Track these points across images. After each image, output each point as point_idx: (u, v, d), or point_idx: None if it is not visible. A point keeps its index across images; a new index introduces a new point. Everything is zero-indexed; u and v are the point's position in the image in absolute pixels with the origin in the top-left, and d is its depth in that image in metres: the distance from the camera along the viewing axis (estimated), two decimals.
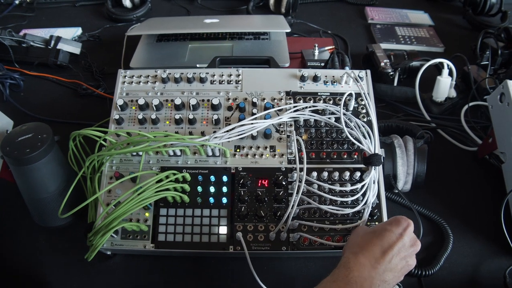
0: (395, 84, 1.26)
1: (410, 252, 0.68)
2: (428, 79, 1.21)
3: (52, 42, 1.38)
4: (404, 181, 0.92)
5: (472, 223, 0.95)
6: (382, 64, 1.27)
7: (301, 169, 0.80)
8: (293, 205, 0.77)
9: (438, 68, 1.24)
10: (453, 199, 1.00)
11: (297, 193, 0.78)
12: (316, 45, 1.29)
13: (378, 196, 0.85)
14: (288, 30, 1.29)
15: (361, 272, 0.63)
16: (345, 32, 1.59)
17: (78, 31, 1.56)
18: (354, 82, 0.96)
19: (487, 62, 1.30)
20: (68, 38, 1.45)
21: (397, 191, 0.93)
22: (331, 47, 1.35)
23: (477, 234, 0.93)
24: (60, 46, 1.38)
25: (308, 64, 1.25)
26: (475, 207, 0.99)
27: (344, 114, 0.87)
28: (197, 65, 1.19)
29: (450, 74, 1.18)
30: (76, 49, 1.42)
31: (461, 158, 1.10)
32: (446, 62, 1.16)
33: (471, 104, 1.16)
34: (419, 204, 0.96)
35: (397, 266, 0.66)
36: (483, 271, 0.87)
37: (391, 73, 1.26)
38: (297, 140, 0.85)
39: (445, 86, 1.19)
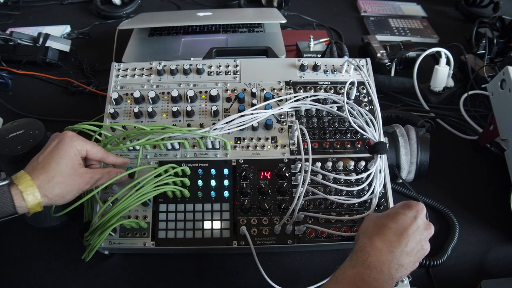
0: (392, 74, 1.25)
1: (424, 235, 0.67)
2: (424, 69, 1.21)
3: (41, 40, 1.34)
4: (407, 171, 0.91)
5: (476, 212, 0.94)
6: (379, 55, 1.26)
7: (306, 160, 0.78)
8: (299, 197, 0.75)
9: (435, 58, 1.24)
10: (455, 188, 0.99)
11: (303, 184, 0.75)
12: (311, 36, 1.27)
13: (384, 186, 0.83)
14: (284, 21, 1.27)
15: (379, 256, 0.61)
16: (339, 25, 1.58)
17: (66, 28, 1.52)
18: (356, 71, 0.95)
19: (483, 51, 1.30)
20: (57, 35, 1.41)
21: (401, 180, 0.91)
22: (326, 39, 1.33)
23: (482, 223, 0.92)
24: (49, 43, 1.35)
25: (305, 56, 1.23)
26: (478, 196, 0.98)
27: (346, 102, 0.85)
28: (191, 59, 1.16)
29: (448, 63, 1.17)
30: (65, 46, 1.38)
31: (462, 147, 1.09)
32: (443, 51, 1.16)
33: (470, 92, 1.15)
34: (422, 193, 0.94)
35: (413, 250, 0.64)
36: (490, 259, 0.86)
37: (388, 63, 1.24)
38: (300, 130, 0.82)
39: (443, 76, 1.18)
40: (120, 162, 0.79)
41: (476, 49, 1.32)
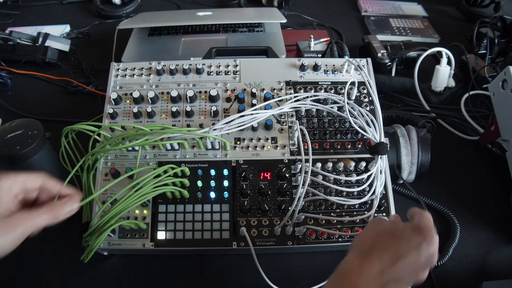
0: (393, 74, 1.25)
1: (423, 265, 0.58)
2: (425, 69, 1.20)
3: (40, 39, 1.34)
4: (408, 171, 0.90)
5: (477, 213, 0.93)
6: (379, 54, 1.25)
7: (306, 160, 0.77)
8: (299, 198, 0.74)
9: (436, 58, 1.23)
10: (456, 188, 0.99)
11: (303, 185, 0.75)
12: (312, 36, 1.27)
13: (385, 186, 0.83)
14: (284, 21, 1.26)
15: (364, 283, 0.55)
16: (339, 25, 1.58)
17: (66, 28, 1.51)
18: (356, 71, 0.94)
19: (484, 51, 1.29)
20: (56, 35, 1.41)
21: (402, 181, 0.91)
22: (326, 38, 1.32)
23: (483, 224, 0.92)
24: (48, 43, 1.34)
25: (305, 55, 1.22)
26: (479, 196, 0.98)
27: (347, 103, 0.85)
28: (191, 59, 1.15)
29: (449, 63, 1.17)
30: (65, 46, 1.38)
31: (463, 148, 1.09)
32: (444, 51, 1.15)
33: (471, 93, 1.14)
34: (423, 194, 0.93)
35: (404, 278, 0.57)
36: (491, 260, 0.86)
37: (389, 63, 1.24)
38: (301, 130, 0.82)
39: (444, 76, 1.18)
40: (66, 192, 0.63)
41: (477, 49, 1.32)
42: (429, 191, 0.96)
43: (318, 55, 1.20)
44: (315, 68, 0.94)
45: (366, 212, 0.80)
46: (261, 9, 1.55)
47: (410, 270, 0.57)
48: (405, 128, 0.93)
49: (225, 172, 0.83)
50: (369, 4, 1.68)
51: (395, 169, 0.89)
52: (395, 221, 0.64)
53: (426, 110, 1.17)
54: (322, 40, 1.30)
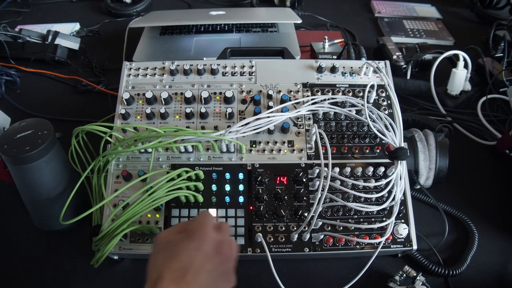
0: (408, 77, 1.22)
1: (217, 261, 0.55)
2: (440, 72, 1.18)
3: (50, 37, 1.32)
4: (426, 177, 0.88)
5: (495, 220, 0.91)
6: (394, 57, 1.23)
7: (325, 165, 0.75)
8: (318, 203, 0.72)
9: (451, 61, 1.21)
10: (473, 194, 0.96)
11: (323, 190, 0.72)
12: (326, 37, 1.24)
13: (403, 193, 0.80)
14: (300, 21, 1.24)
15: None
16: (352, 26, 1.56)
17: (76, 26, 1.50)
18: (375, 73, 0.92)
19: (501, 54, 1.26)
20: (66, 33, 1.39)
21: (419, 187, 0.88)
22: (340, 40, 1.30)
23: (502, 231, 0.89)
24: (58, 41, 1.32)
25: (320, 57, 1.20)
26: (496, 203, 0.95)
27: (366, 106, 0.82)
28: (204, 58, 1.14)
29: (465, 66, 1.14)
30: (74, 44, 1.36)
31: (479, 153, 1.07)
32: (461, 54, 1.12)
33: (488, 96, 1.12)
34: (439, 200, 0.91)
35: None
36: (511, 268, 0.83)
37: (404, 66, 1.22)
38: (319, 134, 0.79)
39: (460, 79, 1.15)
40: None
41: (494, 52, 1.29)
42: (446, 197, 0.94)
43: (334, 57, 1.18)
44: (333, 70, 0.92)
45: (384, 219, 0.78)
46: (275, 9, 1.53)
47: (211, 278, 0.53)
48: (423, 133, 0.91)
49: (240, 176, 0.81)
50: (382, 5, 1.66)
51: (412, 174, 0.87)
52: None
53: (442, 114, 1.14)
54: (336, 41, 1.28)
